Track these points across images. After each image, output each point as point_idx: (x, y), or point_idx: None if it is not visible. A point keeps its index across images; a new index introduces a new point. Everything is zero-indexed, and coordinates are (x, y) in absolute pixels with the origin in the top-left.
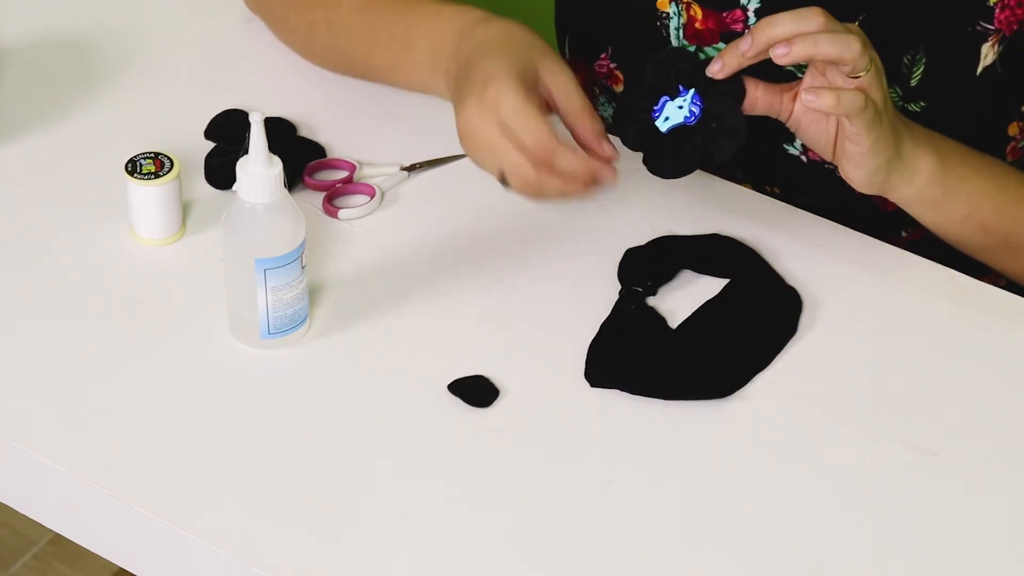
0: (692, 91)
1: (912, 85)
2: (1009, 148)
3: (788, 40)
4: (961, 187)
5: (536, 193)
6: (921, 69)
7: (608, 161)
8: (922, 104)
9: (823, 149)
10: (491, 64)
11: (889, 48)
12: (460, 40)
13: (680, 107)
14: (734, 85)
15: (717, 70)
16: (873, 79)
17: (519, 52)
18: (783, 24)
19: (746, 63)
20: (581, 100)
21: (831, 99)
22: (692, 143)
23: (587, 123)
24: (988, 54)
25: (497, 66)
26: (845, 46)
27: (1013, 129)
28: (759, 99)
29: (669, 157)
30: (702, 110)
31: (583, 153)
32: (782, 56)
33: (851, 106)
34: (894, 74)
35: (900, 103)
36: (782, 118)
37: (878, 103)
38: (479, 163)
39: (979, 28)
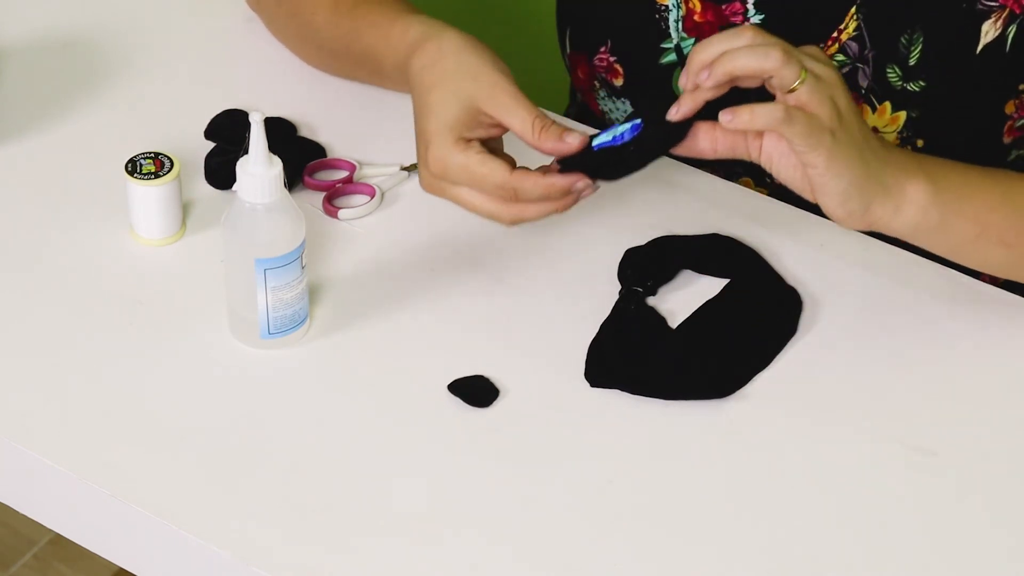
0: (638, 120)
1: (911, 64)
2: (1007, 127)
3: (711, 63)
4: (963, 206)
5: (518, 223)
6: (919, 48)
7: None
8: (921, 83)
9: (799, 187)
10: (426, 122)
11: (887, 27)
12: (406, 71)
13: (619, 131)
14: (678, 126)
15: (673, 114)
16: (812, 92)
17: (452, 92)
18: (712, 46)
19: (700, 98)
20: (527, 112)
21: (745, 114)
22: (605, 159)
23: (543, 133)
24: (989, 31)
25: (432, 124)
26: (763, 57)
27: (1010, 108)
28: (719, 140)
29: (574, 165)
30: (632, 138)
31: (542, 178)
32: (705, 80)
33: (769, 119)
34: (893, 53)
35: (900, 82)
36: (753, 158)
37: (823, 117)
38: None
39: (980, 7)
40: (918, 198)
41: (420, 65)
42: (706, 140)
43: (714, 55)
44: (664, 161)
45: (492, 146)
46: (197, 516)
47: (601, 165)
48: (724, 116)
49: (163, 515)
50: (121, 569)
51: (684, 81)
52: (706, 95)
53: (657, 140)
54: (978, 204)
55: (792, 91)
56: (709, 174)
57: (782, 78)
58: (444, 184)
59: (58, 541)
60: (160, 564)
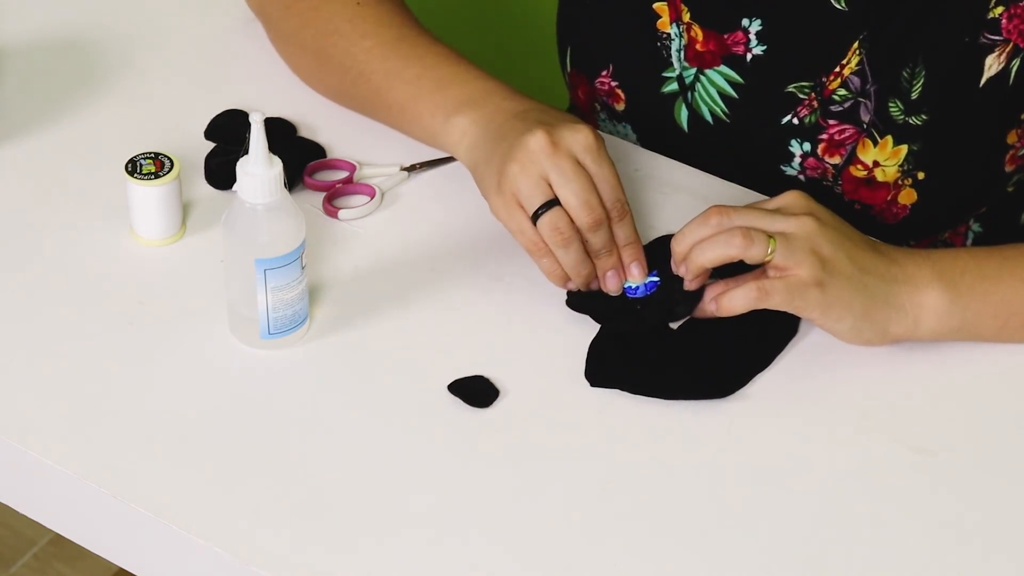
0: (655, 276)
1: (913, 98)
2: (1008, 156)
3: (685, 258)
4: (983, 305)
5: (566, 243)
6: (921, 82)
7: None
8: (923, 117)
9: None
10: (560, 113)
11: (890, 61)
12: (501, 102)
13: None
14: (690, 292)
15: (688, 284)
16: (787, 256)
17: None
18: (685, 239)
19: (703, 276)
20: (621, 196)
21: (725, 301)
22: (612, 305)
23: (625, 221)
24: (993, 65)
25: (570, 116)
26: (725, 246)
27: (1012, 137)
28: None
29: (583, 304)
30: (645, 294)
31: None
32: (688, 283)
33: (746, 301)
34: (895, 87)
35: (902, 116)
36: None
37: (804, 276)
38: (520, 191)
39: (984, 40)
40: (936, 306)
41: (533, 104)
42: (713, 304)
43: (687, 248)
44: (664, 161)
45: None
46: (197, 516)
47: (611, 312)
48: (710, 307)
49: (163, 515)
50: (121, 569)
51: (678, 272)
52: (696, 280)
53: (666, 308)
54: (997, 299)
55: (768, 262)
56: (709, 174)
57: (750, 258)
58: (558, 151)
59: (58, 541)
60: (160, 564)
